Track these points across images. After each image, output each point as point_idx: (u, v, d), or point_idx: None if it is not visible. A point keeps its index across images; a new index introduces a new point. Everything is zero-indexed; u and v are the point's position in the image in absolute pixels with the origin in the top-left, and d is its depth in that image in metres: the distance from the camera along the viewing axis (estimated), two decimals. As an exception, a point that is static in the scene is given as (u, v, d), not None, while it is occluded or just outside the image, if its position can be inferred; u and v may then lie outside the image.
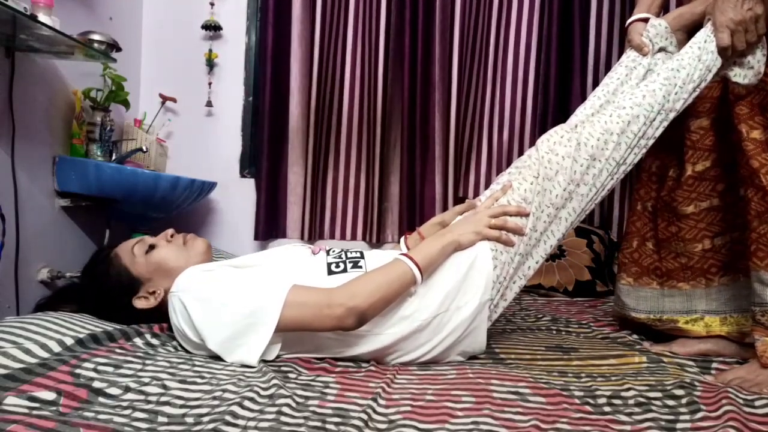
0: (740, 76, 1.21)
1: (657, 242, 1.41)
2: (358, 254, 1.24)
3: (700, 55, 1.22)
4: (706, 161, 1.32)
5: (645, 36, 1.36)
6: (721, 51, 1.20)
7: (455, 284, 1.12)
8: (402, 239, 1.40)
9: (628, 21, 1.42)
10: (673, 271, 1.38)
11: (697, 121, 1.33)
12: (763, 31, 1.18)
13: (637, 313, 1.42)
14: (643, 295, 1.42)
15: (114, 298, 1.19)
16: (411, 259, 1.09)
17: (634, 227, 1.46)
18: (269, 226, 2.47)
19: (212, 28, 2.46)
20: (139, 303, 1.18)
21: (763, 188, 1.15)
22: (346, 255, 1.24)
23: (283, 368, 1.04)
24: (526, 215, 1.18)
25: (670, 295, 1.38)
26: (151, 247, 1.21)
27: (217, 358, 1.05)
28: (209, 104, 2.50)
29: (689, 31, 1.34)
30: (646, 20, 1.38)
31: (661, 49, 1.37)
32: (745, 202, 1.19)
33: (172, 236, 1.25)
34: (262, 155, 2.44)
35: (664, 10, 1.46)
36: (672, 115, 1.24)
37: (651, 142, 1.26)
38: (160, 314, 1.18)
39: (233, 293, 1.06)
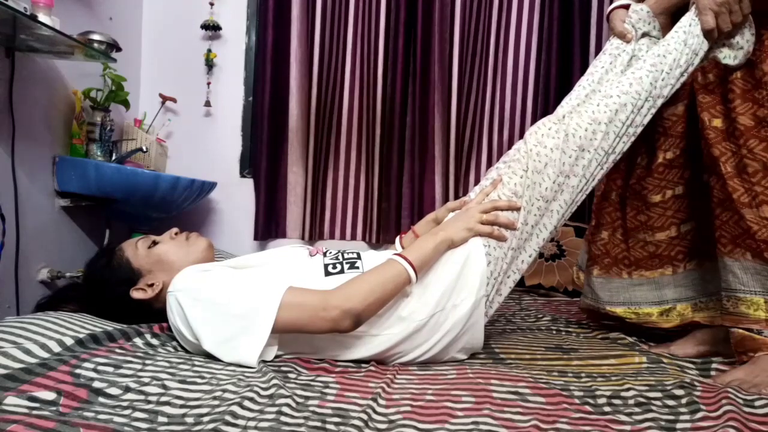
0: (730, 57, 1.21)
1: (625, 231, 1.40)
2: (355, 255, 1.24)
3: (686, 40, 1.21)
4: (676, 149, 1.32)
5: (627, 22, 1.35)
6: (707, 33, 1.20)
7: (450, 283, 1.12)
8: (397, 239, 1.41)
9: (609, 8, 1.41)
10: (641, 260, 1.38)
11: (672, 107, 1.32)
12: (748, 10, 1.18)
13: (613, 306, 1.41)
14: (615, 287, 1.41)
15: (113, 287, 1.20)
16: (405, 258, 1.09)
17: (608, 217, 1.44)
18: (268, 226, 2.47)
19: (211, 28, 2.47)
20: (137, 294, 1.18)
21: (723, 176, 1.16)
22: (343, 256, 1.24)
23: (283, 368, 1.04)
24: (517, 209, 1.18)
25: (639, 283, 1.38)
26: (154, 242, 1.24)
27: (215, 357, 1.05)
28: (208, 104, 2.50)
29: (672, 14, 1.33)
30: (627, 6, 1.37)
31: (645, 35, 1.35)
32: (709, 189, 1.20)
33: (176, 234, 1.27)
34: (261, 155, 2.44)
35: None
36: (660, 102, 1.24)
37: (639, 129, 1.25)
38: (158, 311, 1.19)
39: (230, 294, 1.06)
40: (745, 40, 1.20)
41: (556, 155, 1.19)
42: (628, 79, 1.23)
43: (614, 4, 1.40)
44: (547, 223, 1.23)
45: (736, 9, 1.16)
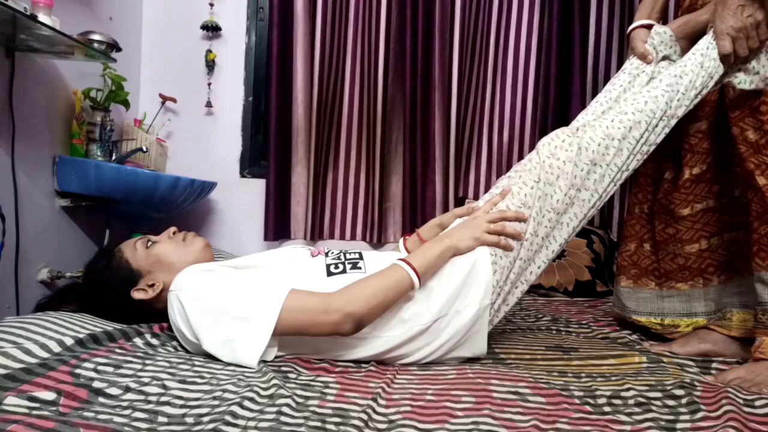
0: (746, 82, 1.20)
1: (654, 244, 1.42)
2: (357, 255, 1.24)
3: (703, 62, 1.22)
4: (702, 164, 1.33)
5: (649, 44, 1.35)
6: (723, 58, 1.20)
7: (455, 289, 1.12)
8: (401, 241, 1.40)
9: (630, 27, 1.40)
10: (671, 271, 1.38)
11: (696, 124, 1.33)
12: (766, 36, 1.18)
13: (638, 315, 1.42)
14: (643, 297, 1.42)
15: (113, 289, 1.20)
16: (409, 264, 1.09)
17: (632, 230, 1.47)
18: (278, 227, 2.46)
19: (211, 29, 2.46)
20: (138, 294, 1.18)
21: (760, 189, 1.15)
22: (345, 256, 1.24)
23: (283, 368, 1.04)
24: (525, 220, 1.18)
25: (669, 295, 1.39)
26: (153, 242, 1.24)
27: (216, 357, 1.05)
28: (209, 104, 2.50)
29: (693, 39, 1.33)
30: (648, 27, 1.37)
31: (665, 58, 1.36)
32: (746, 203, 1.20)
33: (174, 233, 1.27)
34: (270, 156, 2.42)
35: (663, 16, 1.46)
36: (673, 121, 1.24)
37: (653, 148, 1.25)
38: (158, 311, 1.19)
39: (232, 295, 1.06)
40: (761, 65, 1.20)
41: (569, 168, 1.19)
42: (643, 97, 1.23)
43: (636, 24, 1.39)
44: (557, 236, 1.22)
45: (754, 35, 1.17)
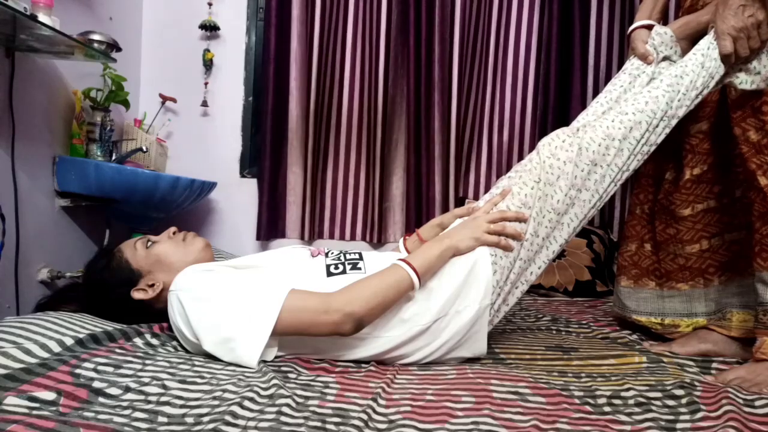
0: (747, 82, 1.20)
1: (655, 244, 1.42)
2: (357, 256, 1.24)
3: (704, 62, 1.21)
4: (703, 165, 1.33)
5: (650, 44, 1.35)
6: (724, 58, 1.20)
7: (455, 289, 1.12)
8: (401, 241, 1.41)
9: (631, 28, 1.40)
10: (672, 272, 1.39)
11: (697, 125, 1.33)
12: (767, 36, 1.18)
13: (639, 315, 1.42)
14: (643, 297, 1.42)
15: (113, 289, 1.20)
16: (409, 264, 1.09)
17: (633, 230, 1.47)
18: (271, 227, 2.47)
19: (209, 28, 2.46)
20: (138, 294, 1.18)
21: (762, 190, 1.15)
22: (344, 256, 1.24)
23: (283, 368, 1.04)
24: (525, 221, 1.18)
25: (670, 295, 1.39)
26: (153, 242, 1.24)
27: (216, 357, 1.05)
28: (204, 104, 2.50)
29: (694, 40, 1.33)
30: (649, 27, 1.37)
31: (666, 58, 1.36)
32: (748, 204, 1.20)
33: (174, 233, 1.27)
34: (264, 156, 2.43)
35: (664, 16, 1.46)
36: (674, 122, 1.24)
37: (653, 148, 1.25)
38: (158, 311, 1.19)
39: (232, 295, 1.06)
40: (762, 65, 1.20)
41: (569, 168, 1.19)
42: (644, 97, 1.23)
43: (636, 24, 1.39)
44: (558, 236, 1.22)
45: (755, 35, 1.17)
